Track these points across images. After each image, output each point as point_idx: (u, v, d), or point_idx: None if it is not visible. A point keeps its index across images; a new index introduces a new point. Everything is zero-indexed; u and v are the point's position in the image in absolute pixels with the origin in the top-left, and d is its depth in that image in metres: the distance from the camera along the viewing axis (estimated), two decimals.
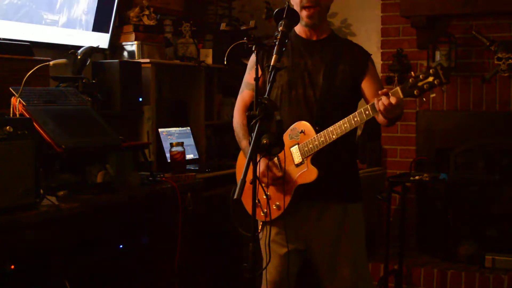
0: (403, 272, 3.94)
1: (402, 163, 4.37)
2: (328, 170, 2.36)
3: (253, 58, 2.52)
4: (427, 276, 3.96)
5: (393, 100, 2.14)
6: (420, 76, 2.12)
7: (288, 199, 2.40)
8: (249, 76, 2.58)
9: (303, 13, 2.41)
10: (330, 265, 2.48)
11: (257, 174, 1.95)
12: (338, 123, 2.28)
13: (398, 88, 2.16)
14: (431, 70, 2.11)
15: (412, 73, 2.15)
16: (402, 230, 4.00)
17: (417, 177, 3.88)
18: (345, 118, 2.26)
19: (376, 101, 2.18)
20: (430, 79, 2.11)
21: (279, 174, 2.38)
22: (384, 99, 2.15)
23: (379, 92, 2.19)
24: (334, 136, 2.28)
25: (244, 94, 2.60)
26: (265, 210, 2.41)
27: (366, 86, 2.45)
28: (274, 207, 2.43)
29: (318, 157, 2.35)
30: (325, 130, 2.30)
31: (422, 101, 2.19)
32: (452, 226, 4.18)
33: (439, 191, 4.25)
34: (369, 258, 4.08)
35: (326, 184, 2.38)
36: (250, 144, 1.92)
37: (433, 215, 4.28)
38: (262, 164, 2.34)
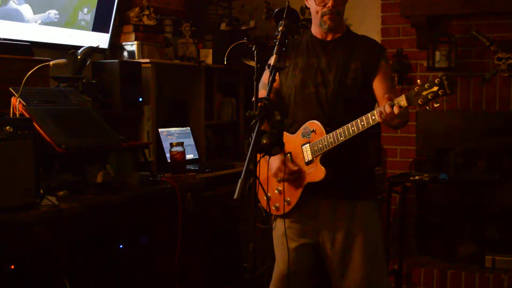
0: (403, 272, 3.94)
1: (402, 163, 4.37)
2: (337, 169, 2.39)
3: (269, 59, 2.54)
4: (427, 276, 3.96)
5: (396, 109, 2.17)
6: (425, 85, 2.14)
7: (298, 195, 2.45)
8: (265, 76, 2.58)
9: (325, 18, 2.45)
10: (341, 261, 2.49)
11: (257, 172, 1.95)
12: (347, 125, 2.30)
13: (403, 96, 2.18)
14: (436, 80, 2.13)
15: (419, 81, 2.17)
16: (402, 230, 4.00)
17: (417, 177, 3.88)
18: (353, 121, 2.28)
19: (381, 108, 2.21)
20: (435, 89, 2.13)
21: (294, 168, 2.43)
22: (387, 107, 2.18)
23: (386, 95, 2.22)
24: (342, 138, 2.31)
25: (261, 94, 2.60)
26: (277, 204, 2.49)
27: (376, 85, 2.46)
28: (285, 202, 2.48)
29: (328, 156, 2.38)
30: (334, 132, 2.33)
31: (426, 110, 2.20)
32: (452, 226, 4.18)
33: (439, 191, 4.25)
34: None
35: (336, 183, 2.41)
36: (250, 144, 1.93)
37: (433, 215, 4.28)
38: (277, 159, 2.40)
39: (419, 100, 2.15)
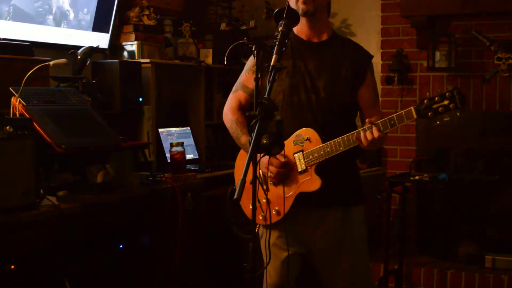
0: (403, 272, 3.94)
1: (402, 163, 4.37)
2: (330, 178, 2.34)
3: (251, 60, 2.50)
4: (427, 276, 3.96)
5: (376, 134, 2.18)
6: (436, 98, 2.11)
7: (288, 205, 2.37)
8: (245, 78, 2.54)
9: (299, 3, 2.36)
10: (332, 269, 2.47)
11: (257, 173, 1.94)
12: (347, 135, 2.26)
13: (412, 109, 2.15)
14: (447, 94, 2.10)
15: (428, 94, 2.15)
16: (402, 230, 4.00)
17: (417, 177, 3.88)
18: (355, 131, 2.25)
19: (362, 133, 2.22)
20: (446, 102, 2.10)
21: (282, 160, 2.34)
22: (368, 134, 2.19)
23: (366, 120, 2.22)
24: (341, 148, 2.27)
25: (239, 95, 2.56)
26: (264, 213, 2.39)
27: (361, 94, 2.43)
28: (274, 212, 2.41)
29: (322, 165, 2.33)
30: (332, 141, 2.28)
31: (435, 123, 2.18)
32: (452, 226, 4.19)
33: (439, 191, 4.26)
34: (369, 258, 4.10)
35: (328, 192, 2.36)
36: (250, 144, 1.92)
37: (433, 215, 4.28)
38: (266, 160, 2.32)
39: (429, 113, 2.12)
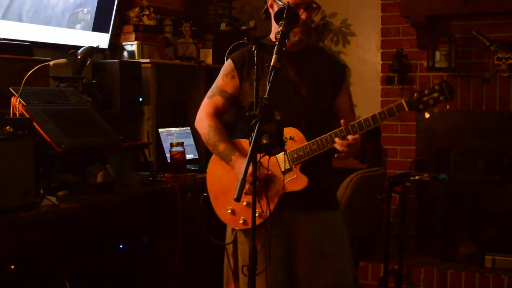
0: (403, 272, 3.94)
1: (402, 163, 4.38)
2: (314, 178, 2.33)
3: (229, 64, 2.49)
4: (427, 276, 3.96)
5: (351, 138, 2.21)
6: (425, 91, 2.16)
7: (272, 206, 2.33)
8: (223, 82, 2.49)
9: (296, 30, 2.35)
10: (313, 273, 2.43)
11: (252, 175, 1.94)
12: (334, 131, 2.26)
13: (403, 101, 2.19)
14: (436, 86, 2.15)
15: (417, 88, 2.18)
16: (402, 230, 4.00)
17: (417, 177, 3.88)
18: (342, 128, 2.25)
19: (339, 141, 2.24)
20: (435, 95, 2.15)
21: (265, 172, 2.32)
22: (343, 141, 2.21)
23: (341, 121, 2.25)
24: (328, 145, 2.27)
25: (216, 100, 2.51)
26: (244, 217, 2.38)
27: (339, 101, 2.49)
28: (256, 215, 2.38)
29: (306, 164, 2.32)
30: (318, 138, 2.28)
31: (425, 117, 2.20)
32: (452, 226, 4.19)
33: (439, 191, 4.26)
34: (369, 258, 4.10)
35: (311, 193, 2.35)
36: (250, 144, 1.92)
37: (433, 215, 4.28)
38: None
39: (420, 106, 2.17)
